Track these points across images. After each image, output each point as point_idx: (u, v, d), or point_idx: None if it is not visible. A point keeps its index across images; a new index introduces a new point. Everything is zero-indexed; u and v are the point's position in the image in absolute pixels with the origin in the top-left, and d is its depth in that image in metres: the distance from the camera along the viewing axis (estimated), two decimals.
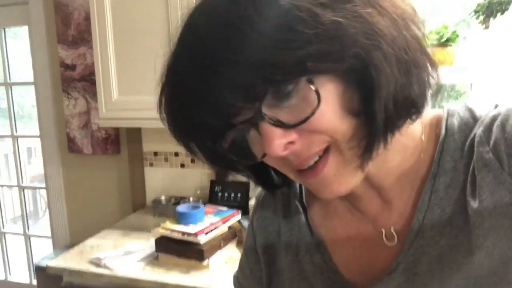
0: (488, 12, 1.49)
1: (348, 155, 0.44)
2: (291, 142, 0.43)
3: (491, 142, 0.45)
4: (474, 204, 0.45)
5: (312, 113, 0.41)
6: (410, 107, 0.44)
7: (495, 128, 0.45)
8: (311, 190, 0.49)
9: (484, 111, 0.49)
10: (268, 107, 0.41)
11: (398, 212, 0.51)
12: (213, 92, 0.41)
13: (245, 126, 0.43)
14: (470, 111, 0.50)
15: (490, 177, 0.44)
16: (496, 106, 0.49)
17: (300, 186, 0.62)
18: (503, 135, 0.44)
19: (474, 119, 0.49)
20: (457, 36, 1.53)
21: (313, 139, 0.43)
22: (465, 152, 0.48)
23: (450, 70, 1.53)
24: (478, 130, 0.47)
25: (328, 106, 0.41)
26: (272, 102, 0.41)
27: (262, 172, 0.57)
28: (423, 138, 0.51)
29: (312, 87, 0.40)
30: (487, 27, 1.52)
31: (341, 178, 0.45)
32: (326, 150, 0.44)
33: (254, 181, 0.58)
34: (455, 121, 0.50)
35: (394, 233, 0.51)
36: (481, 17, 1.51)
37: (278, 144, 0.42)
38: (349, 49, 0.39)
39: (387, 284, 0.49)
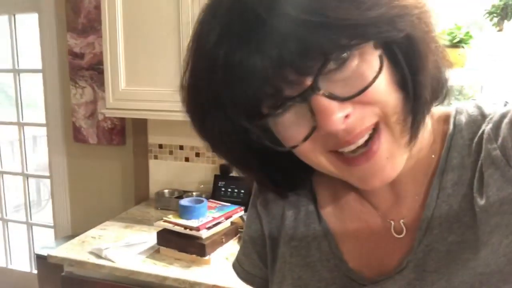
0: (502, 14, 1.46)
1: (397, 131, 0.43)
2: (347, 116, 0.41)
3: (499, 139, 0.45)
4: (481, 201, 0.45)
5: (374, 80, 0.40)
6: (442, 86, 0.46)
7: (504, 125, 0.45)
8: (353, 181, 0.46)
9: (493, 109, 0.49)
10: (321, 81, 0.40)
11: (407, 206, 0.51)
12: (261, 63, 0.38)
13: (293, 102, 0.41)
14: (479, 108, 0.51)
15: (497, 175, 0.44)
16: (505, 104, 0.49)
17: None
18: (510, 133, 0.44)
19: (483, 116, 0.49)
20: (470, 37, 1.51)
21: (365, 112, 0.42)
22: (472, 149, 0.48)
23: (461, 72, 1.51)
24: (487, 127, 0.47)
25: (382, 76, 0.41)
26: (324, 77, 0.40)
27: (274, 174, 0.55)
28: (432, 134, 0.51)
29: (378, 51, 0.40)
30: (500, 30, 1.49)
31: (393, 161, 0.44)
32: (375, 130, 0.43)
33: (262, 182, 0.57)
34: (463, 118, 0.50)
35: (403, 226, 0.51)
36: (495, 19, 1.49)
37: (339, 117, 0.40)
38: (407, 16, 0.40)
39: (399, 281, 0.48)
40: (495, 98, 1.61)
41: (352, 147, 0.43)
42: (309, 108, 0.41)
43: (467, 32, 1.51)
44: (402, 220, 0.51)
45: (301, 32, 0.37)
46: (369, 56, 0.40)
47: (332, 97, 0.40)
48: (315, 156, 0.45)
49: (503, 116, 0.46)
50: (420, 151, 0.50)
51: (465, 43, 1.52)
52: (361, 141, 0.43)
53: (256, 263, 0.66)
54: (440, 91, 0.47)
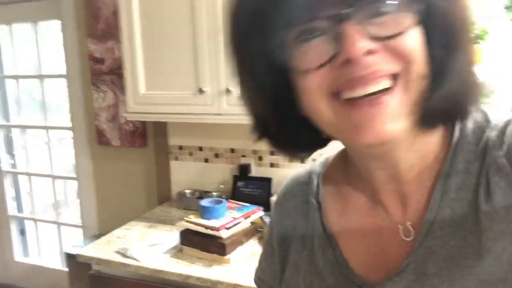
0: None
1: (411, 95, 0.43)
2: (371, 52, 0.41)
3: (505, 146, 0.45)
4: (486, 207, 0.45)
5: (407, 29, 0.41)
6: (473, 93, 0.47)
7: (508, 132, 0.46)
8: (348, 130, 0.45)
9: (499, 116, 0.50)
10: (361, 15, 0.41)
11: (412, 208, 0.52)
12: None
13: (329, 21, 0.42)
14: (485, 115, 0.51)
15: (503, 182, 0.45)
16: (511, 111, 0.50)
17: (318, 184, 0.62)
18: None
19: (488, 122, 0.50)
20: (486, 33, 1.49)
21: (390, 58, 0.42)
22: (477, 154, 0.48)
23: (478, 69, 1.49)
24: (492, 134, 0.48)
25: (418, 36, 0.42)
26: (364, 15, 0.41)
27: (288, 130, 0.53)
28: (439, 139, 0.52)
29: (420, 5, 0.41)
30: None
31: (395, 122, 0.43)
32: (390, 87, 0.43)
33: (275, 135, 0.54)
34: (470, 124, 0.51)
35: (411, 228, 0.51)
36: None
37: (363, 45, 0.40)
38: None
39: (397, 283, 0.49)
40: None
41: (360, 91, 0.42)
42: (337, 33, 0.41)
43: (483, 28, 1.49)
44: (408, 223, 0.51)
45: None
46: (411, 9, 0.41)
47: (365, 30, 0.41)
48: (317, 97, 0.45)
49: (507, 123, 0.47)
50: (427, 154, 0.51)
51: (481, 39, 1.50)
52: (372, 88, 0.42)
53: (265, 270, 0.69)
54: (473, 93, 0.47)
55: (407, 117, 0.44)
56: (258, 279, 0.72)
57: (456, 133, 0.51)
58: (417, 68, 0.42)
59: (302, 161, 0.60)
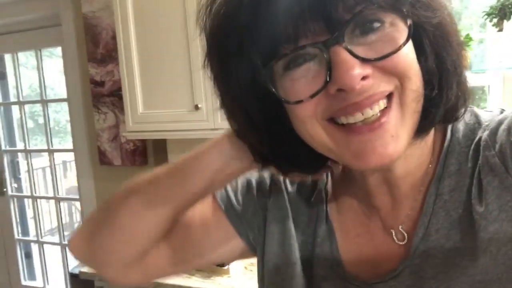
0: (501, 14, 1.49)
1: (408, 112, 0.42)
2: (365, 77, 0.39)
3: (497, 146, 0.45)
4: (479, 208, 0.45)
5: (399, 48, 0.39)
6: (465, 97, 0.47)
7: (500, 132, 0.45)
8: (348, 157, 0.43)
9: (490, 116, 0.50)
10: (347, 39, 0.39)
11: (405, 212, 0.51)
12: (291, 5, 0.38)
13: (314, 48, 0.40)
14: (476, 116, 0.51)
15: (496, 182, 0.45)
16: (502, 111, 0.50)
17: (327, 174, 0.60)
18: (508, 139, 0.44)
19: (479, 123, 0.50)
20: (471, 39, 1.53)
21: (383, 79, 0.40)
22: (470, 155, 0.48)
23: (468, 74, 1.53)
24: (484, 134, 0.47)
25: (411, 49, 0.41)
26: (351, 38, 0.39)
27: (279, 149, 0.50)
28: (431, 142, 0.52)
29: (409, 21, 0.39)
30: (501, 30, 1.51)
31: (397, 141, 0.42)
32: (386, 107, 0.42)
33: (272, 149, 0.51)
34: (460, 126, 0.51)
35: (404, 232, 0.51)
36: (494, 20, 1.51)
37: (358, 73, 0.38)
38: (441, 10, 0.42)
39: (394, 287, 0.49)
40: (502, 97, 1.62)
41: (358, 116, 0.41)
42: (326, 60, 0.39)
43: (468, 35, 1.54)
44: (400, 226, 0.51)
45: None
46: (400, 25, 0.40)
47: (354, 55, 0.39)
48: (312, 123, 0.43)
49: (500, 123, 0.46)
50: (421, 159, 0.50)
51: (466, 46, 1.54)
52: (367, 113, 0.41)
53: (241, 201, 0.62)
54: (464, 100, 0.46)
55: (407, 132, 0.43)
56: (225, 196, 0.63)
57: (448, 136, 0.50)
58: (412, 83, 0.41)
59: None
